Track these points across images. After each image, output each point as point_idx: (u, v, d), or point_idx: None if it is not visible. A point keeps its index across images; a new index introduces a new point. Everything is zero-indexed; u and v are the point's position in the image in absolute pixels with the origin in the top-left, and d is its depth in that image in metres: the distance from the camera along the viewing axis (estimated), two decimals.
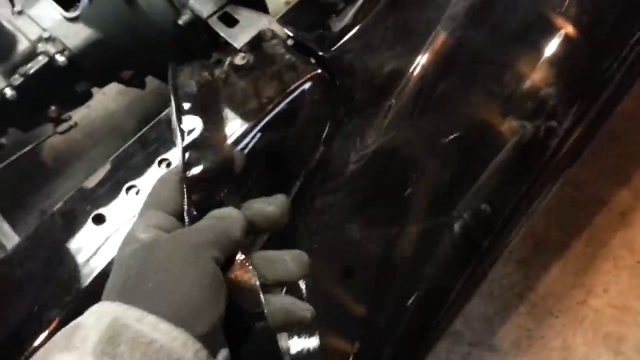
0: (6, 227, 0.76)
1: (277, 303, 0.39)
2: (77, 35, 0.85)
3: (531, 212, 0.65)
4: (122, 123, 1.37)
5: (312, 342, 0.59)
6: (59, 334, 0.33)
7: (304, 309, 0.40)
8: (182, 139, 0.45)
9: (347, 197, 0.73)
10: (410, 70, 0.72)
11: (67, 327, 0.33)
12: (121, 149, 0.72)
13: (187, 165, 0.43)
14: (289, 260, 0.40)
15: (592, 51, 0.63)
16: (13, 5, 0.91)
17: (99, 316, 0.32)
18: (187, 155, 0.44)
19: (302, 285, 0.65)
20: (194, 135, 0.45)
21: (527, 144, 0.63)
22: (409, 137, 0.70)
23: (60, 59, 0.83)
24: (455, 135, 0.67)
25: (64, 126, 0.91)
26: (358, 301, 0.71)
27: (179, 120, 0.46)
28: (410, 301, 0.70)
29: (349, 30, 0.80)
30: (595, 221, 1.19)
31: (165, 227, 0.39)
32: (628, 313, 1.11)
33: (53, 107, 0.90)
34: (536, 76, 0.62)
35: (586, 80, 0.62)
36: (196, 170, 0.43)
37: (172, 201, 0.41)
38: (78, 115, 1.18)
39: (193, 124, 0.46)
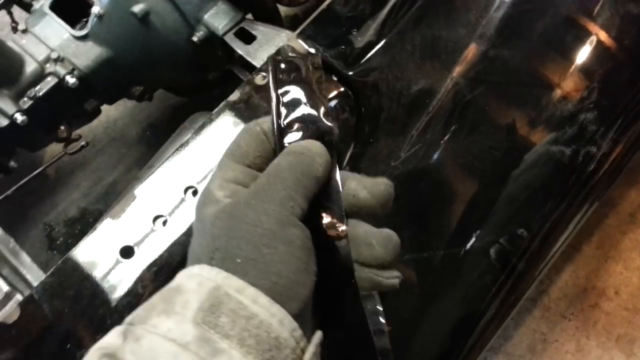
0: (26, 257, 0.73)
1: (364, 274, 0.37)
2: (87, 54, 0.82)
3: (567, 237, 0.65)
4: (124, 130, 1.34)
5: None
6: (157, 295, 0.32)
7: (392, 276, 0.38)
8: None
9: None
10: (441, 90, 0.70)
11: (167, 288, 0.32)
12: (144, 178, 0.70)
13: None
14: (375, 244, 0.37)
15: (633, 73, 0.63)
16: (13, 21, 0.87)
17: (200, 281, 0.31)
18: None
19: None
20: None
21: (565, 170, 0.62)
22: (441, 160, 0.69)
23: (71, 80, 0.81)
24: (490, 158, 0.66)
25: (74, 146, 0.89)
26: (389, 324, 0.71)
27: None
28: (444, 326, 0.69)
29: (373, 47, 0.78)
30: (606, 223, 1.20)
31: (243, 182, 0.37)
32: (639, 315, 1.13)
33: (62, 127, 0.87)
34: (575, 100, 0.61)
35: (626, 104, 0.62)
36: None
37: (253, 151, 0.38)
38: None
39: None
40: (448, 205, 0.70)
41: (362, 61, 0.78)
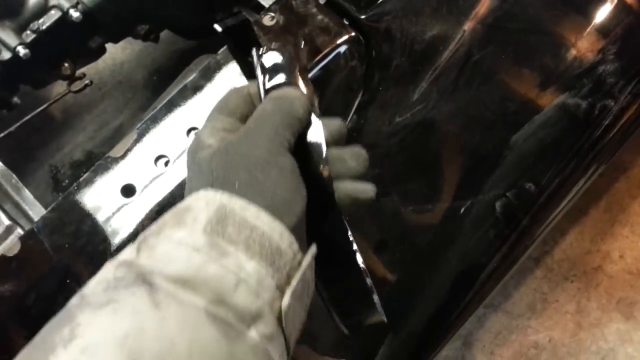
0: (27, 193, 0.73)
1: (341, 189, 0.40)
2: None
3: (573, 197, 0.63)
4: (131, 74, 1.31)
5: None
6: (167, 214, 0.35)
7: (367, 190, 0.41)
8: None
9: (382, 170, 0.71)
10: (456, 38, 0.67)
11: (176, 208, 0.35)
12: (147, 117, 0.68)
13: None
14: (347, 159, 0.41)
15: None
16: None
17: (207, 201, 0.34)
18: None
19: None
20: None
21: (579, 124, 0.60)
22: (452, 110, 0.67)
23: (75, 13, 0.78)
24: (502, 110, 0.64)
25: (78, 84, 0.87)
26: (391, 273, 0.70)
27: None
28: (445, 277, 0.69)
29: None
30: (615, 187, 1.18)
31: (231, 130, 0.41)
32: None
33: (66, 65, 0.85)
34: (595, 51, 0.59)
35: None
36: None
37: (240, 108, 0.42)
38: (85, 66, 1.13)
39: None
40: (457, 156, 0.68)
41: (376, 5, 0.75)
